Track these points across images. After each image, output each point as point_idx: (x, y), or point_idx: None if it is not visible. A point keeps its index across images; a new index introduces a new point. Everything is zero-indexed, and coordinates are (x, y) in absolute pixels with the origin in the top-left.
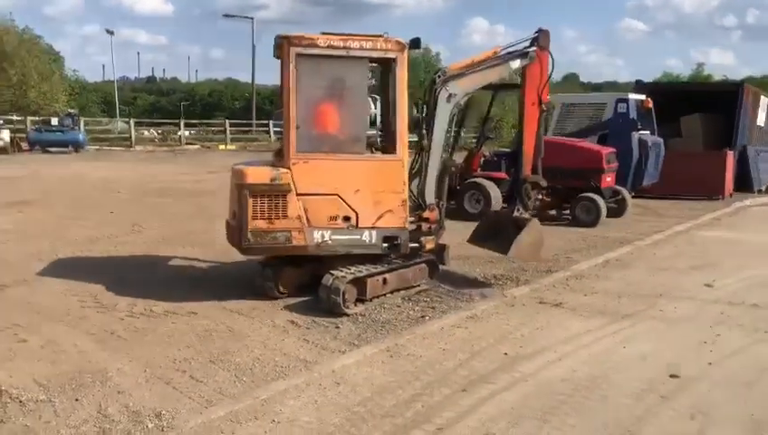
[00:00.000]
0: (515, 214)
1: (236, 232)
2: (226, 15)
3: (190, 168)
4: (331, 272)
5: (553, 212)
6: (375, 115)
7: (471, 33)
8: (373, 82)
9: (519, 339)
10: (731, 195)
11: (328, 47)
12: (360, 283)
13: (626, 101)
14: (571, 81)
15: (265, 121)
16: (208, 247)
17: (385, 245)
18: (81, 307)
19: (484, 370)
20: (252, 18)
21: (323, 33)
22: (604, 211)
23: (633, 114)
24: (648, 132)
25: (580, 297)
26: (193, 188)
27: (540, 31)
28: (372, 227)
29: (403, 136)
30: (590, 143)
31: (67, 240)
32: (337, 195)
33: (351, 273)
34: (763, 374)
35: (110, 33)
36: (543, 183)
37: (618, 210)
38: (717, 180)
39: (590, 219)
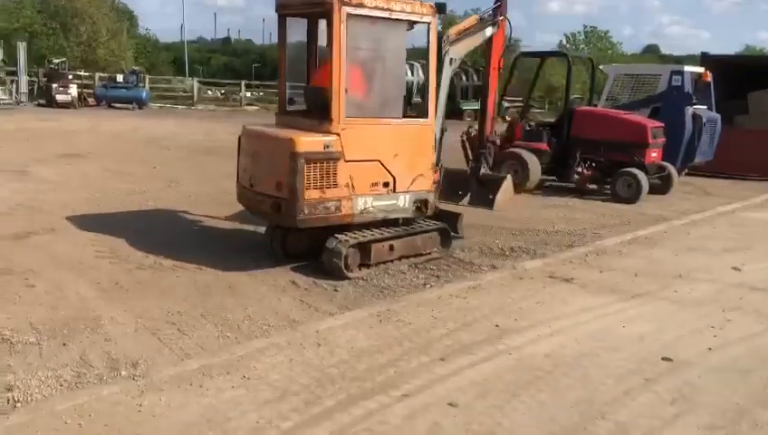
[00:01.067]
0: (482, 172)
1: (288, 204)
2: None
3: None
4: (336, 235)
5: (594, 186)
6: (414, 82)
7: None
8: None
9: (515, 312)
10: None
11: (374, 8)
12: (364, 247)
13: (681, 73)
14: (651, 52)
15: None
16: (236, 207)
17: (413, 208)
18: (95, 257)
19: (468, 340)
20: None
21: None
22: (646, 187)
23: (688, 87)
24: (705, 108)
25: (594, 274)
26: None
27: None
28: (407, 191)
29: (433, 100)
30: (635, 116)
31: (104, 193)
32: (378, 160)
33: (355, 237)
34: (763, 364)
35: None
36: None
37: (662, 187)
38: None
39: (629, 195)
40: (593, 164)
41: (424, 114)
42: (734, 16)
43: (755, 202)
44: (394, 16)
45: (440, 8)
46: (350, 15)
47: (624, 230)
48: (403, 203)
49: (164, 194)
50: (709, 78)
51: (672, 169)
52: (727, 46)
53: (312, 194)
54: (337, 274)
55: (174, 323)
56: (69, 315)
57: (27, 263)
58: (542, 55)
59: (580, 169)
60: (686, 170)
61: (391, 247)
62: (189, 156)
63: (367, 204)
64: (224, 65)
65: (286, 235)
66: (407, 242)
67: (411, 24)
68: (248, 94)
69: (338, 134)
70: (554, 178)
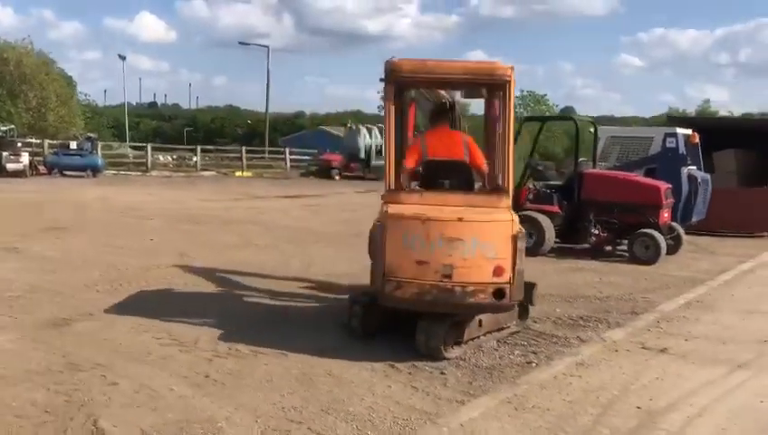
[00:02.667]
0: None
1: (512, 288)
2: (242, 43)
3: (212, 194)
4: (428, 314)
5: (609, 248)
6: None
7: None
8: None
9: (643, 390)
10: None
11: None
12: (457, 325)
13: (675, 135)
14: (568, 114)
15: (280, 148)
16: (269, 280)
17: None
18: (161, 345)
19: (624, 426)
20: (267, 46)
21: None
22: (664, 248)
23: (682, 149)
24: (695, 168)
25: (681, 342)
26: (226, 216)
27: None
28: None
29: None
30: (648, 178)
31: (117, 270)
32: None
33: (448, 314)
34: None
35: (123, 58)
36: None
37: (673, 248)
38: (763, 217)
39: (648, 256)
40: (606, 226)
41: None
42: (642, 79)
43: (765, 260)
44: None
45: None
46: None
47: (670, 294)
48: None
49: (183, 269)
50: (697, 139)
51: (681, 230)
52: (640, 108)
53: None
54: (435, 355)
55: (299, 421)
56: (179, 418)
57: (89, 356)
58: (548, 120)
59: (596, 232)
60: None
61: (480, 323)
62: (176, 226)
63: None
64: (153, 130)
65: (366, 312)
66: (491, 317)
67: None
68: (199, 159)
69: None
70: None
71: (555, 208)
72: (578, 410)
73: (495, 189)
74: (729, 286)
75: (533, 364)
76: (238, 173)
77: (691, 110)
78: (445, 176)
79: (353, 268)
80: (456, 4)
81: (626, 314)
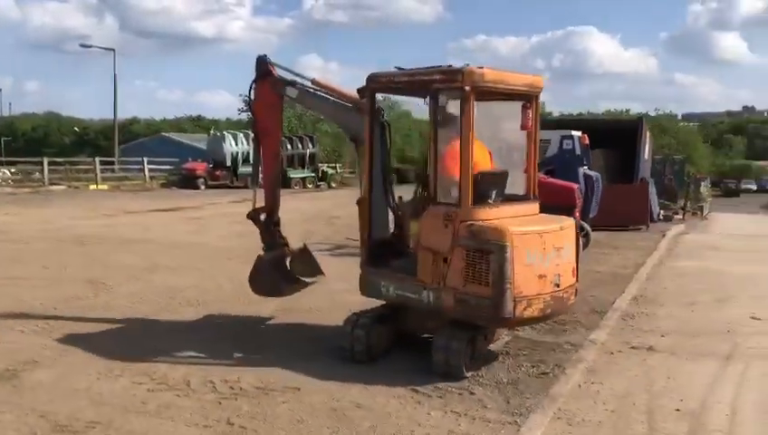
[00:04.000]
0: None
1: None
2: (83, 45)
3: (80, 211)
4: (443, 332)
5: None
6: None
7: (305, 70)
8: None
9: (668, 391)
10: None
11: None
12: (471, 341)
13: (571, 138)
14: None
15: (138, 159)
16: (213, 305)
17: None
18: (149, 391)
19: (679, 430)
20: (113, 49)
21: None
22: (581, 247)
23: (579, 150)
24: (587, 167)
25: (660, 339)
26: (113, 235)
27: None
28: None
29: None
30: (559, 180)
31: (31, 305)
32: None
33: (464, 330)
34: None
35: None
36: None
37: (584, 244)
38: (642, 211)
39: None
40: None
41: None
42: None
43: (664, 253)
44: None
45: None
46: None
47: (612, 291)
48: None
49: (107, 298)
50: (587, 141)
51: (588, 227)
52: None
53: None
54: (455, 374)
55: None
56: None
57: (73, 413)
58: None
59: None
60: None
61: (486, 337)
62: (65, 248)
63: None
64: None
65: (369, 336)
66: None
67: None
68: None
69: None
70: None
71: None
72: (623, 419)
73: (526, 197)
74: (657, 281)
75: (550, 374)
76: (93, 186)
77: None
78: (492, 187)
79: None
80: (289, 7)
81: (589, 314)
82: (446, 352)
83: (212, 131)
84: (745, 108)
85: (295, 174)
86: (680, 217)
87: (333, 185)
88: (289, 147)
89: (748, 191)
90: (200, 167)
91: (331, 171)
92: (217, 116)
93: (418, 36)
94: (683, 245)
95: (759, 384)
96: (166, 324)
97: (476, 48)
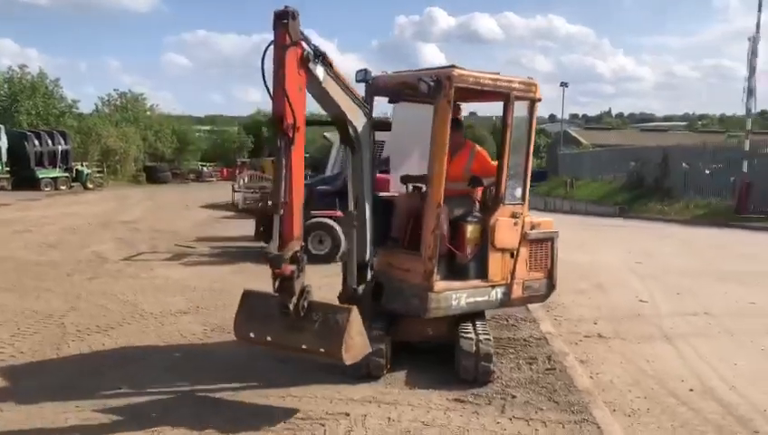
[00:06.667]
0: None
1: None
2: None
3: None
4: (465, 336)
5: None
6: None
7: None
8: None
9: (663, 374)
10: None
11: None
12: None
13: None
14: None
15: None
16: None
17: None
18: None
19: (716, 409)
20: None
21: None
22: None
23: None
24: None
25: (593, 326)
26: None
27: None
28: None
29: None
30: None
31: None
32: None
33: (485, 333)
34: None
35: None
36: None
37: None
38: None
39: None
40: None
41: None
42: (190, 79)
43: None
44: None
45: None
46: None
47: None
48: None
49: (84, 319)
50: None
51: None
52: (190, 107)
53: None
54: (484, 378)
55: None
56: None
57: None
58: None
59: None
60: None
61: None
62: (32, 269)
63: None
64: None
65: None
66: None
67: None
68: None
69: None
70: None
71: (339, 213)
72: (662, 405)
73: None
74: None
75: (554, 370)
76: None
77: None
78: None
79: (185, 304)
80: None
81: (517, 309)
82: (477, 357)
83: None
84: None
85: (45, 174)
86: None
87: (90, 186)
88: (37, 143)
89: None
90: None
91: (87, 171)
92: None
93: (134, 27)
94: None
95: (727, 357)
96: (104, 354)
97: (197, 43)
